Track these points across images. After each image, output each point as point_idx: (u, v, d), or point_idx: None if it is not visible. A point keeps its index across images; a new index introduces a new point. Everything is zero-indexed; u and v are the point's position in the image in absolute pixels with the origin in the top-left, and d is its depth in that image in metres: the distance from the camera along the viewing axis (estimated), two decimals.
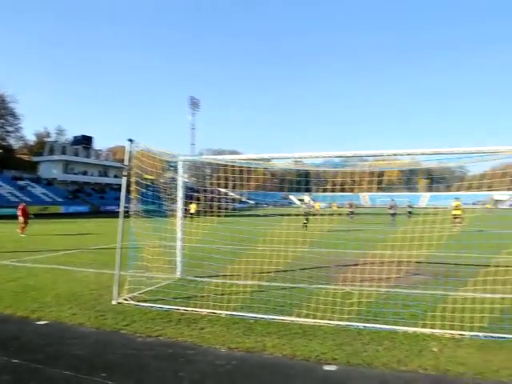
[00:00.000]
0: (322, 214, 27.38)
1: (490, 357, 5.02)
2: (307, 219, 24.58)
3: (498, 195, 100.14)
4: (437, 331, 5.88)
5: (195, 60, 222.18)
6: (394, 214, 29.42)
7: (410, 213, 32.40)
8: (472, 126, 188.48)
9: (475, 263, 10.44)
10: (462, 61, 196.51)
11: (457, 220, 22.78)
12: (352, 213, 34.43)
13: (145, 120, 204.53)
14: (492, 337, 5.65)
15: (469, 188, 10.36)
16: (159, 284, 8.93)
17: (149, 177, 9.72)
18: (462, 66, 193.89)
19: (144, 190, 8.94)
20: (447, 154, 8.31)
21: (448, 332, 5.84)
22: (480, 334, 5.73)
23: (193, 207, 24.72)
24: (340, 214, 34.06)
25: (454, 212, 23.58)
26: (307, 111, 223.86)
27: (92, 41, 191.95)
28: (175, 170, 10.65)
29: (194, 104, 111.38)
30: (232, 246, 11.40)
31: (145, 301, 7.58)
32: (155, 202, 9.89)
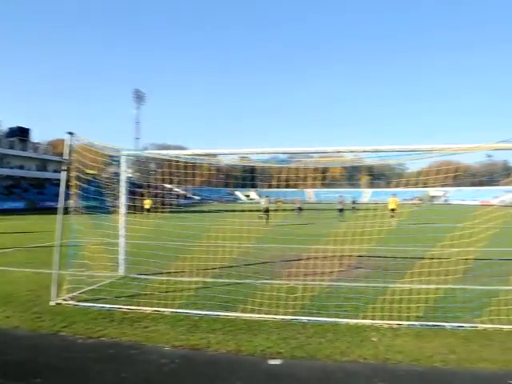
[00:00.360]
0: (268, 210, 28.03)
1: (425, 344, 5.31)
2: (267, 215, 25.91)
3: (433, 191, 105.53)
4: (377, 322, 6.11)
5: (141, 51, 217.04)
6: (341, 210, 30.71)
7: (354, 208, 33.67)
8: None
9: (412, 256, 10.95)
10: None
11: (392, 214, 24.47)
12: (300, 208, 35.06)
13: (87, 113, 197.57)
14: (427, 325, 5.98)
15: (406, 184, 10.82)
16: (101, 283, 8.66)
17: (90, 172, 9.39)
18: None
19: (85, 186, 8.62)
20: (387, 151, 8.63)
21: (387, 322, 6.09)
22: (416, 323, 6.05)
23: (147, 203, 25.08)
24: (284, 210, 34.63)
25: (391, 207, 25.43)
26: (258, 107, 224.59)
27: (28, 27, 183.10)
28: (118, 164, 10.36)
29: (140, 97, 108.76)
30: (177, 243, 11.25)
31: (85, 300, 7.33)
32: (97, 197, 9.58)
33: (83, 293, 7.87)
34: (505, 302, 6.50)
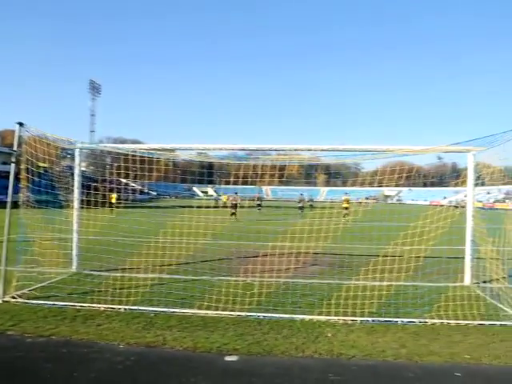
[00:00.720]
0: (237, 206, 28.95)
1: (378, 339, 5.49)
2: (235, 211, 27.88)
3: (387, 191, 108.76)
4: (331, 318, 6.25)
5: (97, 41, 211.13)
6: (302, 208, 32.01)
7: (311, 206, 34.43)
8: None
9: (366, 254, 11.23)
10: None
11: (345, 212, 25.89)
12: (259, 205, 35.30)
13: (40, 104, 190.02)
14: (379, 321, 6.18)
15: (362, 183, 11.10)
16: (52, 279, 8.36)
17: (42, 164, 9.05)
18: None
19: (37, 179, 8.31)
20: (343, 150, 8.83)
21: (341, 318, 6.24)
22: (369, 318, 6.24)
23: (113, 197, 25.20)
24: (242, 207, 34.77)
25: (344, 205, 27.85)
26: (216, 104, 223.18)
27: None
28: (72, 157, 10.04)
29: (95, 89, 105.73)
30: (132, 239, 11.05)
31: (36, 298, 7.06)
32: (49, 191, 9.25)
33: (33, 290, 7.56)
34: (452, 298, 6.81)
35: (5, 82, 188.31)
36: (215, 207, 27.18)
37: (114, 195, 23.97)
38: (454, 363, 4.76)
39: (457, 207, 9.67)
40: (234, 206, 28.42)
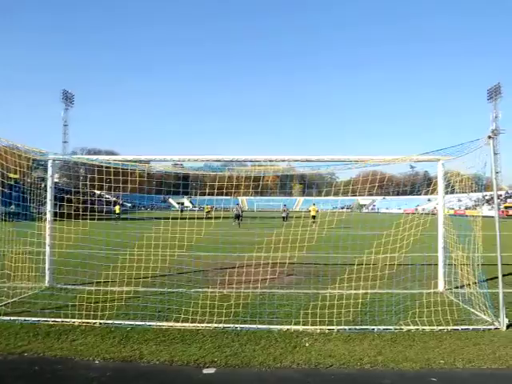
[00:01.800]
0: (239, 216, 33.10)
1: (355, 347, 5.55)
2: (239, 221, 32.17)
3: (362, 200, 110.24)
4: (309, 327, 6.28)
5: (71, 50, 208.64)
6: (285, 218, 33.85)
7: (287, 216, 35.22)
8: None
9: (342, 262, 11.34)
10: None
11: (313, 221, 26.90)
12: (239, 216, 35.40)
13: (11, 113, 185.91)
14: (356, 329, 6.25)
15: (337, 193, 11.25)
16: (24, 294, 8.14)
17: (13, 176, 8.86)
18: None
19: (7, 191, 8.12)
20: (317, 161, 8.93)
21: (319, 327, 6.27)
22: (346, 327, 6.29)
23: (117, 208, 26.94)
24: (218, 218, 34.79)
25: (312, 215, 30.76)
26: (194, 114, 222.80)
27: None
28: (44, 169, 9.85)
29: (68, 98, 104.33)
30: (107, 251, 10.86)
31: (6, 314, 6.85)
32: (20, 203, 9.05)
33: (4, 305, 7.35)
34: (426, 304, 6.94)
35: None
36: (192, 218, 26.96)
37: (118, 206, 25.99)
38: (429, 369, 4.85)
39: (414, 213, 9.88)
40: (237, 216, 32.58)
